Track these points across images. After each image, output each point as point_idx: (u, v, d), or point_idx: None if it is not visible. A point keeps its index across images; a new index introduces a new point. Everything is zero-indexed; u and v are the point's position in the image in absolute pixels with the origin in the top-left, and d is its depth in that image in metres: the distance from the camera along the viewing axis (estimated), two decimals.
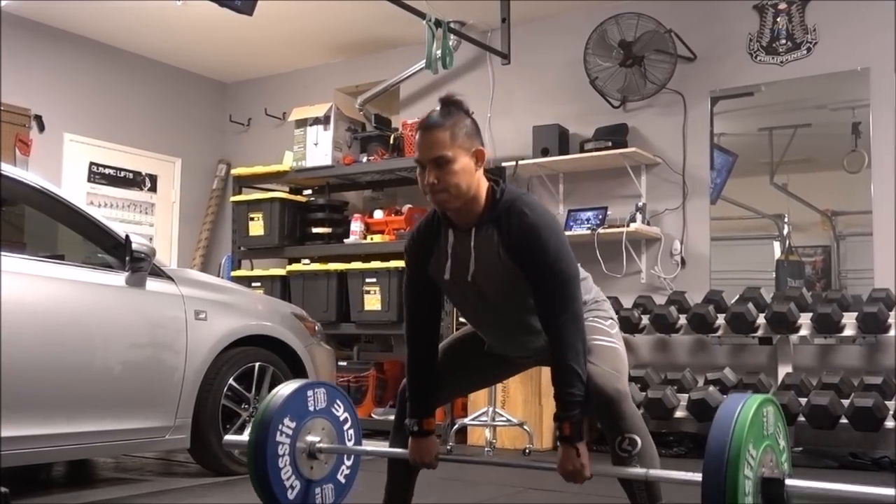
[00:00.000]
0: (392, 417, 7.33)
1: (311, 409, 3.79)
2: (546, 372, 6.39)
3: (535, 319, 3.18)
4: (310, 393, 3.81)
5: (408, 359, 3.41)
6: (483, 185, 3.15)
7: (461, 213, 3.15)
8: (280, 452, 3.63)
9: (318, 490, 3.81)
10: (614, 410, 3.08)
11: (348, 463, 3.96)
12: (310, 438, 3.74)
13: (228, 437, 4.12)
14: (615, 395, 3.08)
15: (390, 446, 3.61)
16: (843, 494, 2.81)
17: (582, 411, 3.05)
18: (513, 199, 3.14)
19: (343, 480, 3.96)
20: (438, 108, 3.13)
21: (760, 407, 2.73)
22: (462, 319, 5.14)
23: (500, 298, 3.22)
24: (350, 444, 3.94)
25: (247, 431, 5.14)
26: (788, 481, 2.75)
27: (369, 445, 4.04)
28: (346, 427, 3.95)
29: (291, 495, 3.67)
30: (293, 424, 3.69)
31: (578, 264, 3.20)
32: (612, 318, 3.43)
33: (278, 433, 3.63)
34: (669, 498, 3.21)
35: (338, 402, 3.94)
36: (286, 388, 3.75)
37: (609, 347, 3.26)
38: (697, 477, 2.70)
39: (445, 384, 3.52)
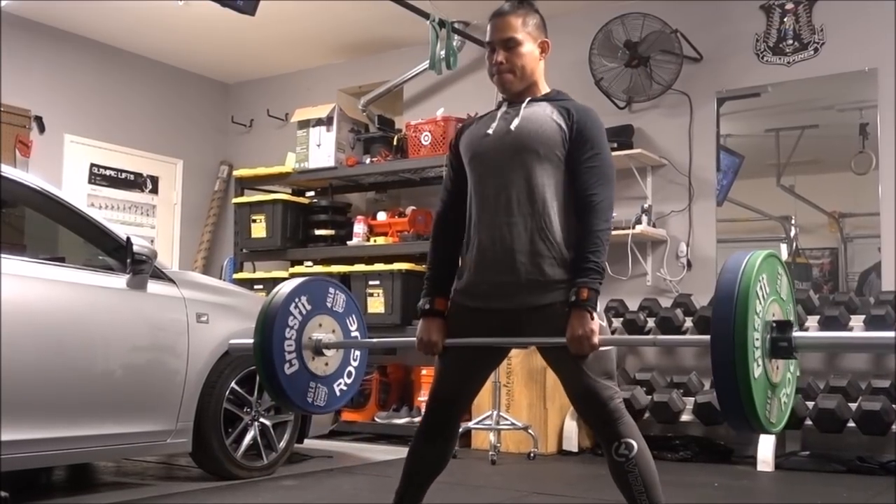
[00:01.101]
0: (395, 421, 7.35)
1: (317, 305, 3.66)
2: (550, 374, 6.38)
3: (551, 207, 3.16)
4: (306, 291, 3.65)
5: (431, 245, 3.47)
6: (543, 78, 3.34)
7: (522, 96, 3.30)
8: (287, 346, 3.51)
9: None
10: (612, 417, 3.09)
11: (355, 364, 3.82)
12: (316, 335, 3.63)
13: (234, 341, 3.99)
14: (608, 402, 3.08)
15: (411, 449, 3.49)
16: (845, 342, 3.16)
17: (599, 283, 3.07)
18: (568, 96, 3.32)
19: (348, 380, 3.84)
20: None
21: (765, 260, 2.72)
22: None
23: (526, 166, 3.19)
24: (353, 328, 3.83)
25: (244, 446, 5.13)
26: (795, 331, 2.72)
27: (368, 468, 3.92)
28: (352, 327, 3.81)
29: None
30: (300, 318, 3.57)
31: None
32: (601, 323, 3.32)
33: (286, 326, 3.52)
34: (671, 499, 3.18)
35: (343, 300, 3.80)
36: (290, 284, 3.61)
37: (601, 352, 3.16)
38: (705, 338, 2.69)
39: (457, 403, 3.45)
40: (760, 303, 2.64)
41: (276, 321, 3.47)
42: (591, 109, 3.25)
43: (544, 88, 3.33)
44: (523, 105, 3.26)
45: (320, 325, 3.64)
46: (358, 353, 3.83)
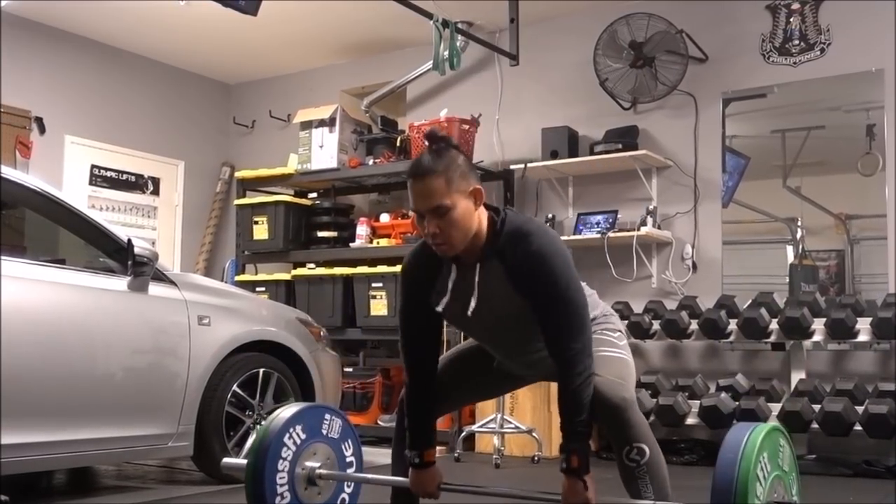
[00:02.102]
0: None
1: (312, 433, 3.71)
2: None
3: (541, 345, 3.12)
4: (310, 416, 3.73)
5: (407, 389, 3.34)
6: (483, 220, 3.06)
7: (467, 253, 3.07)
8: (279, 479, 3.55)
9: None
10: (620, 419, 3.02)
11: (349, 490, 3.87)
12: (309, 464, 3.65)
13: (227, 460, 4.04)
14: (621, 403, 3.01)
15: (392, 471, 3.54)
16: None
17: (588, 442, 3.01)
18: (515, 226, 3.05)
19: None
20: (426, 148, 3.02)
21: (766, 437, 2.73)
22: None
23: (506, 329, 3.17)
24: (351, 470, 3.85)
25: (246, 449, 5.10)
26: None
27: (371, 473, 3.94)
28: (347, 452, 3.85)
29: None
30: (293, 449, 3.60)
31: (584, 283, 3.14)
32: (619, 331, 3.37)
33: (279, 460, 3.55)
34: (680, 498, 3.15)
35: (339, 424, 3.85)
36: (287, 411, 3.67)
37: (614, 357, 3.20)
38: None
39: (449, 396, 3.48)
40: (762, 485, 2.67)
41: (268, 452, 3.50)
42: (530, 242, 2.99)
43: (484, 229, 3.05)
44: (476, 275, 3.07)
45: (314, 454, 3.67)
46: (354, 458, 3.88)
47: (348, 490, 3.86)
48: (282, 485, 3.52)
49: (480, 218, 3.04)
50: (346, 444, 3.83)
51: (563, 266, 3.00)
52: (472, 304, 3.06)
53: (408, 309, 3.28)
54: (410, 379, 3.31)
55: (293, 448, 3.59)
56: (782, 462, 2.82)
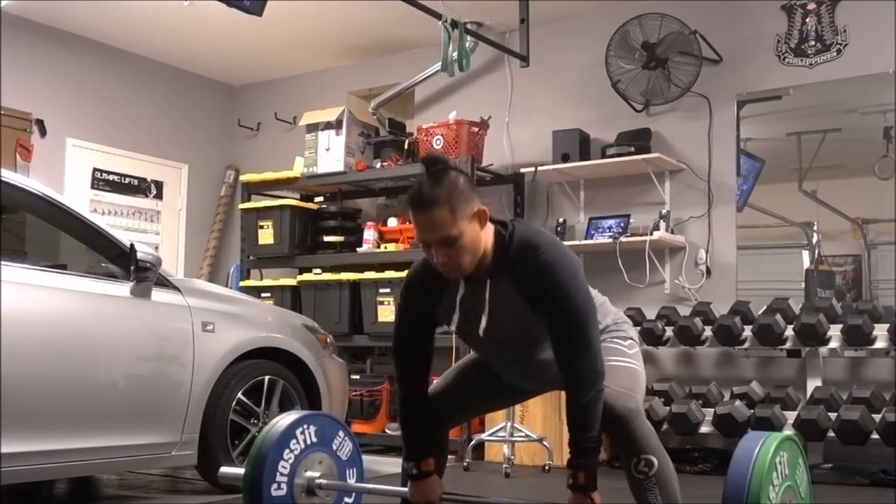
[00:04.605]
0: None
1: (311, 442, 3.70)
2: None
3: (535, 354, 3.16)
4: (310, 425, 3.72)
5: (400, 401, 3.34)
6: (490, 236, 3.04)
7: (475, 272, 3.05)
8: (278, 489, 3.54)
9: None
10: (626, 430, 3.02)
11: (349, 500, 3.88)
12: (309, 474, 3.65)
13: (224, 470, 4.01)
14: (626, 414, 3.01)
15: (402, 481, 3.50)
16: None
17: (597, 458, 3.02)
18: (524, 238, 3.04)
19: None
20: (424, 173, 2.96)
21: (777, 450, 2.75)
22: None
23: (515, 342, 3.15)
24: (352, 480, 3.85)
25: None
26: None
27: (375, 483, 4.02)
28: (347, 462, 3.85)
29: None
30: (291, 458, 3.59)
31: (596, 290, 3.17)
32: (631, 339, 3.36)
33: (277, 469, 3.54)
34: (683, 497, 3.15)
35: (340, 434, 3.85)
36: (285, 420, 3.66)
37: (623, 367, 3.19)
38: None
39: (458, 408, 3.49)
40: (774, 494, 2.72)
41: (266, 462, 3.51)
42: (538, 253, 2.99)
43: (490, 245, 3.03)
44: (486, 291, 3.05)
45: (314, 464, 3.69)
46: (354, 468, 3.88)
47: (348, 501, 3.88)
48: (280, 495, 3.52)
49: (486, 235, 3.02)
50: (345, 453, 3.84)
51: (572, 277, 2.99)
52: (483, 321, 3.06)
53: (406, 320, 3.28)
54: (403, 389, 3.33)
55: (292, 457, 3.59)
56: (795, 471, 2.84)
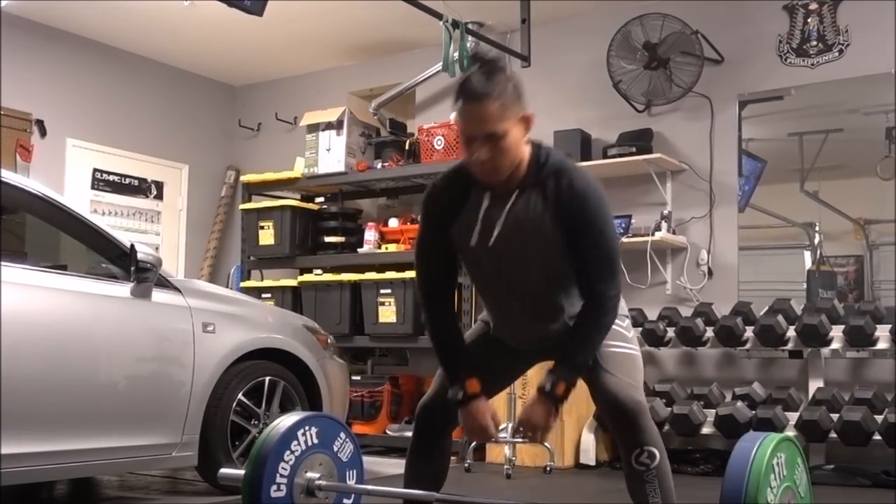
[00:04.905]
0: (407, 434, 7.24)
1: (313, 443, 3.69)
2: None
3: (559, 296, 3.11)
4: (311, 426, 3.71)
5: (429, 325, 3.28)
6: (526, 149, 3.02)
7: (506, 183, 3.02)
8: (277, 490, 3.53)
9: None
10: (634, 423, 3.01)
11: (348, 502, 3.87)
12: (309, 475, 3.64)
13: (224, 471, 4.00)
14: (636, 407, 3.01)
15: (404, 482, 3.44)
16: None
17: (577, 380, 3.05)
18: (559, 163, 3.02)
19: None
20: (476, 68, 2.94)
21: (774, 451, 2.75)
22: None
23: (527, 268, 3.07)
24: (352, 482, 3.84)
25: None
26: None
27: (375, 484, 3.99)
28: (347, 463, 3.84)
29: None
30: (292, 459, 3.58)
31: None
32: (627, 317, 3.32)
33: (277, 470, 3.53)
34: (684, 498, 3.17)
35: (341, 436, 3.84)
36: (287, 420, 3.66)
37: (627, 355, 3.17)
38: None
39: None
40: (772, 495, 2.72)
41: (266, 463, 3.49)
42: (574, 180, 2.96)
43: (526, 159, 3.01)
44: (510, 202, 3.00)
45: (314, 465, 3.67)
46: (354, 469, 3.87)
47: (348, 502, 3.86)
48: (280, 496, 3.51)
49: (525, 148, 3.01)
50: (346, 454, 3.83)
51: (605, 211, 3.00)
52: (503, 230, 3.01)
53: (428, 241, 3.24)
54: (431, 313, 3.25)
55: (293, 459, 3.58)
56: (793, 472, 2.83)
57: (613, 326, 3.14)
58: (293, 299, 7.89)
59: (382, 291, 7.34)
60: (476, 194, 3.05)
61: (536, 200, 2.98)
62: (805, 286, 6.84)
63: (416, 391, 7.74)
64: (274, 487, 3.49)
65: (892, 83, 6.47)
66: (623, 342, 3.18)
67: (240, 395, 5.13)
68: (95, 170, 8.67)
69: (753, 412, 6.14)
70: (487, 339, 3.38)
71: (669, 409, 6.43)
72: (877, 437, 5.81)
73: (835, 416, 5.92)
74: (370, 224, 7.91)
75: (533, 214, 2.97)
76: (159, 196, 9.27)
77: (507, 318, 3.29)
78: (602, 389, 3.05)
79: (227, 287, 8.55)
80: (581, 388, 3.09)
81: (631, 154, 7.04)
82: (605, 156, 7.19)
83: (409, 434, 7.29)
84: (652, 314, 6.93)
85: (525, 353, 3.40)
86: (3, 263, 4.20)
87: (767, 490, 2.65)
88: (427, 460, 3.37)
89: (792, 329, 6.27)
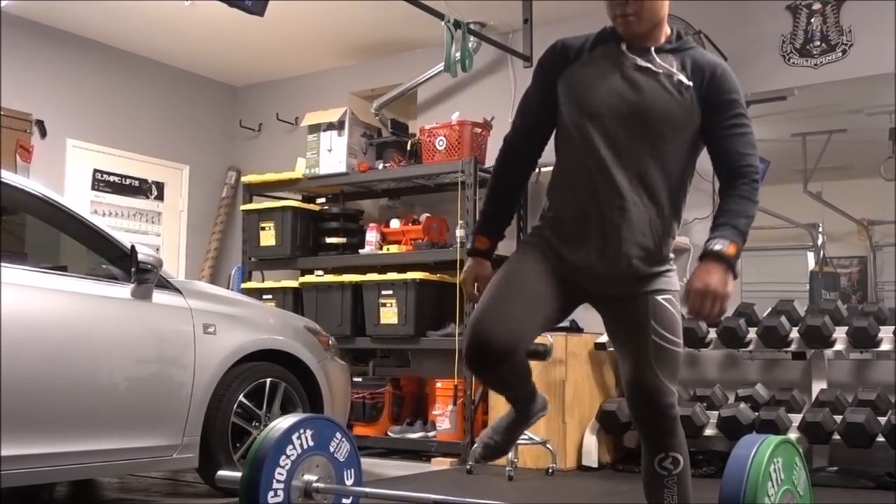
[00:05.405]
0: (408, 436, 7.26)
1: (308, 445, 3.69)
2: (569, 387, 6.22)
3: (659, 178, 3.00)
4: (306, 429, 3.70)
5: (493, 176, 3.31)
6: (666, 16, 3.04)
7: (644, 39, 3.00)
8: (275, 492, 3.53)
9: None
10: (665, 426, 2.96)
11: (347, 502, 3.87)
12: (306, 477, 3.64)
13: (222, 473, 4.01)
14: (669, 411, 2.95)
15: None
16: None
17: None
18: (692, 44, 3.06)
19: None
20: None
21: (772, 456, 2.73)
22: None
23: (641, 132, 2.98)
24: (350, 481, 3.85)
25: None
26: None
27: (373, 486, 4.02)
28: (344, 463, 3.84)
29: None
30: (288, 464, 3.58)
31: None
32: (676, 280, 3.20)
33: (274, 474, 3.53)
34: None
35: (337, 436, 3.83)
36: (282, 424, 3.65)
37: (675, 353, 3.01)
38: None
39: (522, 322, 3.10)
40: (771, 499, 2.69)
41: (264, 465, 3.49)
42: (723, 65, 3.00)
43: (666, 28, 3.03)
44: (646, 57, 2.97)
45: (312, 467, 3.68)
46: (352, 470, 3.87)
47: (347, 502, 3.87)
48: (277, 501, 3.51)
49: (666, 11, 3.03)
50: (342, 454, 3.83)
51: (742, 97, 3.01)
52: (642, 84, 2.96)
53: (532, 94, 3.22)
54: (499, 173, 3.30)
55: (289, 462, 3.58)
56: (791, 474, 2.82)
57: (670, 306, 3.03)
58: (294, 300, 7.87)
59: (384, 292, 7.31)
60: (610, 46, 3.04)
61: (670, 63, 2.96)
62: (808, 287, 6.85)
63: (418, 393, 7.73)
64: (271, 494, 3.49)
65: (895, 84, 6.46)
66: (674, 336, 3.00)
67: (241, 397, 5.11)
68: (96, 170, 8.66)
69: (756, 414, 6.12)
70: (535, 267, 3.09)
71: None
72: (880, 438, 5.78)
73: (838, 418, 5.90)
74: (371, 225, 7.90)
75: (664, 76, 2.95)
76: (160, 197, 9.25)
77: (596, 223, 3.02)
78: (638, 380, 2.95)
79: (227, 288, 8.53)
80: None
81: None
82: None
83: (411, 436, 7.31)
84: None
85: (574, 282, 3.10)
86: (3, 264, 4.20)
87: (765, 497, 2.64)
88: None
89: (795, 330, 6.25)
